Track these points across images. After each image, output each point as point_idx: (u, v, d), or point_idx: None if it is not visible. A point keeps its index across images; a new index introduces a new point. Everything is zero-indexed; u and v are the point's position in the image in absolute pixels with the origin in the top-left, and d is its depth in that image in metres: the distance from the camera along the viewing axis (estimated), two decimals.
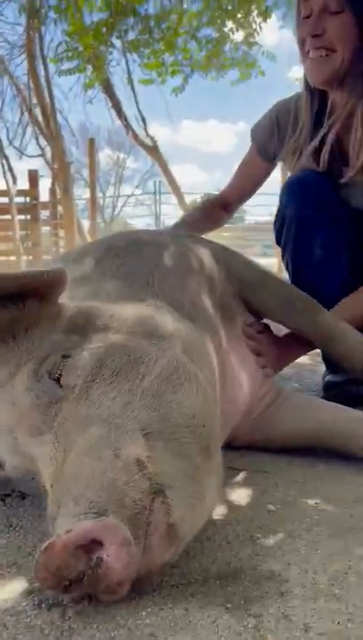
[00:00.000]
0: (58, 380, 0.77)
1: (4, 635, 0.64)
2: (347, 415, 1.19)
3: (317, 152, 1.56)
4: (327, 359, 1.67)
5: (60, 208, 9.74)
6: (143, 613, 0.67)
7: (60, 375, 0.78)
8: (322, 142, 1.54)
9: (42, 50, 7.45)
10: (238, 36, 5.89)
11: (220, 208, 1.93)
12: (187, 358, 0.83)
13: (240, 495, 1.02)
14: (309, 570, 0.77)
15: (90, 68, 6.86)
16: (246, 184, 1.90)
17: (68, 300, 0.91)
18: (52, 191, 10.00)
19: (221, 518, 0.92)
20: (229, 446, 1.20)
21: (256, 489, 1.04)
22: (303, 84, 1.58)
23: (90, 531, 0.58)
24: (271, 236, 1.73)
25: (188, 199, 9.29)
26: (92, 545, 0.58)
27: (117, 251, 1.16)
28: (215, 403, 0.89)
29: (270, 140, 1.74)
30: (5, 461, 0.83)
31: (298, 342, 1.35)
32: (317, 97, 1.56)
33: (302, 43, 1.47)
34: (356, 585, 0.73)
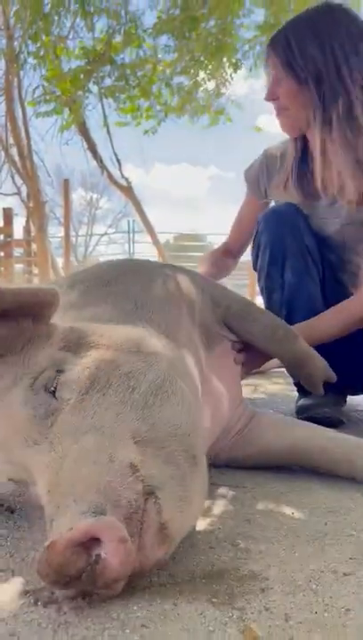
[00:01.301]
0: (53, 394, 0.82)
1: (3, 629, 0.67)
2: (320, 433, 1.26)
3: (301, 184, 1.72)
4: (299, 385, 1.75)
5: (33, 246, 9.83)
6: (135, 608, 0.71)
7: (55, 389, 0.83)
8: (305, 175, 1.70)
9: (20, 93, 7.66)
10: (210, 85, 6.22)
11: (226, 256, 2.05)
12: (173, 373, 0.90)
13: (221, 507, 1.07)
14: (287, 570, 0.82)
15: (67, 110, 7.08)
16: (247, 226, 2.01)
17: (60, 322, 0.97)
18: (27, 229, 10.11)
19: (204, 527, 0.97)
20: (210, 465, 1.25)
21: (236, 502, 1.10)
22: None
23: (90, 528, 0.62)
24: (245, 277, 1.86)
25: (161, 239, 9.48)
26: (91, 542, 0.62)
27: (107, 278, 1.24)
28: (200, 415, 0.95)
29: (260, 178, 1.89)
30: (1, 472, 0.87)
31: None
32: (298, 139, 1.75)
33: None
34: (332, 581, 0.79)
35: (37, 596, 0.74)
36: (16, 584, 0.77)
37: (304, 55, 1.55)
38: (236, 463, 1.28)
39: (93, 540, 0.62)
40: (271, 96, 1.65)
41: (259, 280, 1.74)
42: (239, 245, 2.06)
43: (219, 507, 1.07)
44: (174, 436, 0.79)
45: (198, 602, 0.73)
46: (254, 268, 1.76)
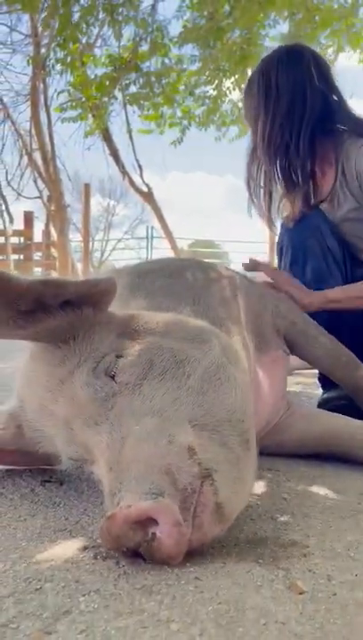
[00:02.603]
0: (113, 378, 0.87)
1: (68, 576, 0.73)
2: (347, 422, 1.31)
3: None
4: (322, 380, 1.80)
5: (52, 250, 9.96)
6: (188, 564, 0.76)
7: (115, 373, 0.88)
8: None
9: (45, 99, 7.82)
10: (235, 95, 6.30)
11: None
12: (226, 361, 0.94)
13: (258, 487, 1.12)
14: (326, 540, 0.87)
15: (91, 117, 7.21)
16: None
17: (123, 309, 1.04)
18: (47, 233, 10.25)
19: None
20: None
21: (271, 483, 1.15)
22: None
23: (147, 510, 0.68)
24: None
25: (179, 244, 9.57)
26: (148, 521, 0.68)
27: (170, 271, 1.31)
28: (251, 402, 0.99)
29: None
30: (61, 451, 0.93)
31: None
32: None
33: None
34: None
35: (96, 551, 0.80)
36: (75, 542, 0.83)
37: (249, 105, 1.78)
38: (268, 450, 1.33)
39: (151, 520, 0.68)
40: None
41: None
42: None
43: (256, 486, 1.12)
44: (229, 421, 0.84)
45: (245, 562, 0.78)
46: (279, 264, 1.83)
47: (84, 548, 0.81)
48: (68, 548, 0.81)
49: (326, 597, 0.70)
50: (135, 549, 0.71)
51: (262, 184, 1.86)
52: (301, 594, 0.71)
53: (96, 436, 0.84)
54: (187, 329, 1.00)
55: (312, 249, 1.66)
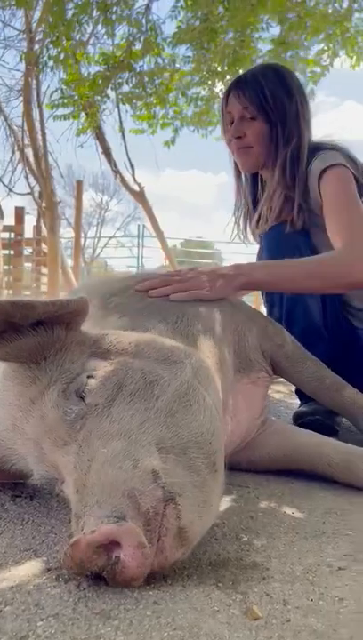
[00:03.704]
0: (83, 399, 0.89)
1: (29, 600, 0.74)
2: (320, 441, 1.33)
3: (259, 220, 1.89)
4: (300, 394, 1.82)
5: (43, 245, 9.93)
6: (147, 587, 0.78)
7: (85, 394, 0.89)
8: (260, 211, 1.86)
9: (38, 95, 7.78)
10: None
11: None
12: (196, 382, 0.96)
13: (226, 504, 1.14)
14: (287, 562, 0.89)
15: (83, 115, 7.18)
16: None
17: (99, 326, 1.05)
18: (37, 229, 10.21)
19: None
20: None
21: (240, 500, 1.17)
22: (237, 169, 1.99)
23: (110, 533, 0.69)
24: None
25: (169, 244, 9.56)
26: (112, 545, 0.70)
27: None
28: (221, 423, 1.00)
29: None
30: (33, 469, 0.94)
31: None
32: (250, 178, 1.99)
33: (228, 142, 1.89)
34: (327, 574, 0.86)
35: (58, 573, 0.81)
36: (39, 562, 0.85)
37: (275, 99, 1.75)
38: (239, 467, 1.35)
39: (114, 543, 0.69)
40: (239, 133, 1.80)
41: (261, 293, 1.83)
42: None
43: (224, 504, 1.14)
44: (196, 443, 0.85)
45: (205, 585, 0.80)
46: None
47: (48, 570, 0.82)
48: (31, 569, 0.82)
49: (279, 624, 0.72)
50: (99, 573, 0.72)
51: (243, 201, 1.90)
52: (256, 619, 0.73)
53: (65, 456, 0.85)
54: (159, 349, 1.01)
55: None
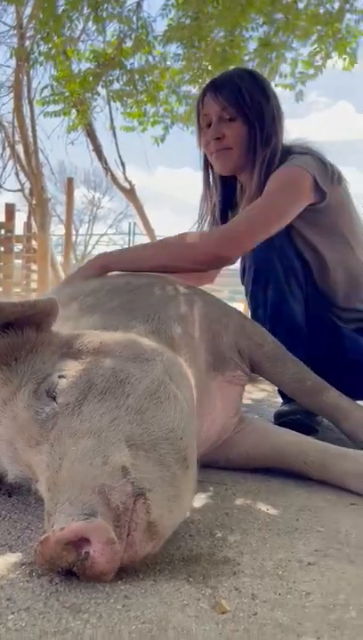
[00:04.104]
0: (54, 398, 0.90)
1: (1, 594, 0.75)
2: (297, 439, 1.35)
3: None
4: (282, 393, 1.84)
5: (33, 242, 9.91)
6: (118, 582, 0.79)
7: (56, 394, 0.90)
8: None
9: (29, 91, 7.76)
10: None
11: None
12: (167, 379, 0.97)
13: (202, 501, 1.15)
14: (258, 558, 0.91)
15: (74, 111, 7.17)
16: None
17: (73, 327, 1.06)
18: (28, 225, 10.19)
19: (185, 518, 1.06)
20: None
21: (216, 497, 1.19)
22: (207, 175, 1.98)
23: (79, 530, 0.70)
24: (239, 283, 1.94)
25: None
26: (81, 541, 0.71)
27: (132, 287, 1.34)
28: (193, 420, 1.02)
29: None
30: (7, 470, 0.95)
31: None
32: (222, 183, 1.97)
33: (206, 145, 1.87)
34: (296, 569, 0.88)
35: (32, 568, 0.82)
36: (13, 557, 0.86)
37: (253, 100, 1.76)
38: (217, 465, 1.37)
39: (83, 540, 0.71)
40: (218, 134, 1.80)
41: (245, 294, 1.85)
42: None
43: (200, 500, 1.16)
44: (167, 439, 0.87)
45: (176, 580, 0.82)
46: (242, 283, 1.86)
47: (21, 565, 0.83)
48: (5, 565, 0.83)
49: (246, 617, 0.74)
50: (69, 569, 0.73)
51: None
52: (223, 613, 0.74)
53: (37, 456, 0.86)
54: (130, 348, 1.02)
55: (274, 269, 1.70)
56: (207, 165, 1.95)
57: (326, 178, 1.66)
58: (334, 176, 1.68)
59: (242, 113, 1.76)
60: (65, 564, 0.72)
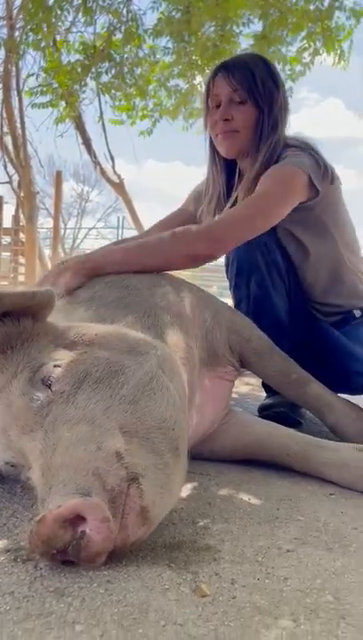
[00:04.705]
0: (49, 387, 0.91)
1: None
2: (279, 431, 1.38)
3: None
4: (265, 385, 1.87)
5: (21, 235, 9.85)
6: (102, 567, 0.81)
7: (51, 382, 0.92)
8: (234, 202, 1.83)
9: (18, 83, 7.70)
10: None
11: None
12: (160, 372, 0.99)
13: (186, 491, 1.18)
14: (238, 545, 0.94)
15: (63, 103, 7.12)
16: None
17: (68, 319, 1.07)
18: (16, 218, 10.12)
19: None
20: None
21: (200, 487, 1.21)
22: (213, 157, 1.93)
23: (76, 507, 0.71)
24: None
25: None
26: (77, 519, 0.72)
27: (127, 283, 1.35)
28: (184, 412, 1.04)
29: (198, 201, 2.01)
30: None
31: None
32: (224, 166, 1.92)
33: (213, 126, 1.84)
34: (275, 555, 0.90)
35: (17, 554, 0.84)
36: None
37: (265, 86, 1.75)
38: (201, 456, 1.39)
39: (79, 518, 0.72)
40: (227, 115, 1.78)
41: (229, 287, 1.87)
42: None
43: (185, 490, 1.18)
44: (159, 429, 0.88)
45: (158, 566, 0.84)
46: (227, 276, 1.88)
47: (7, 551, 0.85)
48: None
49: (225, 601, 0.76)
50: (64, 550, 0.73)
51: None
52: (203, 597, 0.77)
53: (31, 442, 0.88)
54: (125, 341, 1.04)
55: (257, 262, 1.72)
56: (213, 147, 1.91)
57: (320, 176, 1.68)
58: (327, 174, 1.70)
59: (253, 97, 1.75)
60: (61, 544, 0.72)
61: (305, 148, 1.74)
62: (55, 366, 0.94)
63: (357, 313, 1.83)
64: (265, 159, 1.74)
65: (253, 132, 1.78)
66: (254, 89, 1.74)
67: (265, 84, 1.75)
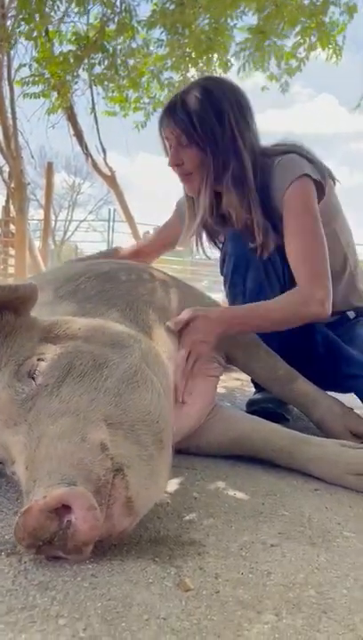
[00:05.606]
0: (34, 380, 0.91)
1: None
2: (264, 426, 1.38)
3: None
4: (255, 382, 1.87)
5: (12, 226, 9.77)
6: (86, 561, 0.81)
7: (36, 376, 0.91)
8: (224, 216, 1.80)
9: (9, 72, 7.61)
10: None
11: (136, 258, 2.08)
12: (144, 365, 0.99)
13: (172, 485, 1.18)
14: (223, 539, 0.94)
15: (55, 94, 7.06)
16: (165, 240, 2.12)
17: (52, 313, 1.07)
18: (6, 209, 10.04)
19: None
20: None
21: (186, 481, 1.21)
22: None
23: (62, 496, 0.71)
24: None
25: (141, 230, 9.52)
26: (63, 510, 0.71)
27: (110, 276, 1.34)
28: (169, 404, 1.04)
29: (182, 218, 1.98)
30: None
31: None
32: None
33: (173, 168, 1.79)
34: (259, 550, 0.91)
35: (1, 547, 0.84)
36: None
37: (204, 125, 1.66)
38: (187, 451, 1.39)
39: (65, 508, 0.71)
40: (176, 161, 1.74)
41: (224, 285, 1.86)
42: (151, 252, 2.17)
43: (170, 485, 1.18)
44: (143, 421, 0.88)
45: (142, 560, 0.84)
46: (221, 273, 1.88)
47: None
48: None
49: (209, 595, 0.77)
50: (50, 541, 0.72)
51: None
52: (187, 591, 0.77)
53: (15, 436, 0.87)
54: (108, 334, 1.04)
55: (254, 259, 1.72)
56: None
57: (318, 174, 1.67)
58: (323, 173, 1.69)
59: (193, 140, 1.68)
60: (47, 534, 0.72)
61: (296, 151, 1.71)
62: (39, 360, 0.94)
63: (351, 314, 1.83)
64: (232, 193, 1.69)
65: (204, 172, 1.71)
66: (192, 132, 1.67)
67: (204, 123, 1.66)
